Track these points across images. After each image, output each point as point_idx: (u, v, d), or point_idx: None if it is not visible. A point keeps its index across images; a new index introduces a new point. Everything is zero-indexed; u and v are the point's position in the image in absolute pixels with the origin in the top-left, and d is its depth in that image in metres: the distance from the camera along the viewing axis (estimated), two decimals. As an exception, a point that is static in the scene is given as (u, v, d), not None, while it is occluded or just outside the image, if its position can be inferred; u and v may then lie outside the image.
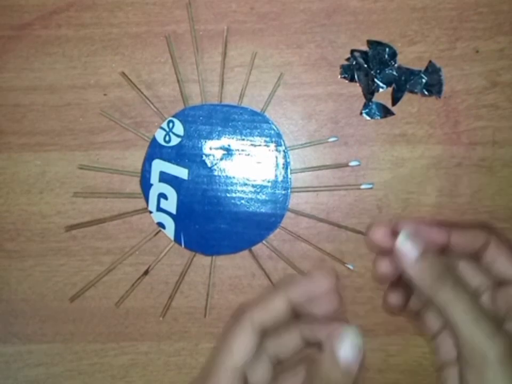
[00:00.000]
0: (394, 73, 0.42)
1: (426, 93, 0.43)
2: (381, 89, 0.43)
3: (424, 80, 0.42)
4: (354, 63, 0.43)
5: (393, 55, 0.43)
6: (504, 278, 0.29)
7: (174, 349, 0.44)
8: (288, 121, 0.44)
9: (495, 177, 0.43)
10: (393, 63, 0.43)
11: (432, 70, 0.43)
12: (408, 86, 0.43)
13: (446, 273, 0.27)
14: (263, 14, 0.44)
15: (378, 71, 0.42)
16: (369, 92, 0.43)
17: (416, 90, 0.43)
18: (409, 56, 0.43)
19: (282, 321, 0.28)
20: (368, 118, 0.43)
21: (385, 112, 0.43)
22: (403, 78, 0.43)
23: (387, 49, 0.43)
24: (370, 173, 0.43)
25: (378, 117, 0.43)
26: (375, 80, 0.43)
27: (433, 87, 0.42)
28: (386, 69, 0.42)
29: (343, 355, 0.27)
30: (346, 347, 0.27)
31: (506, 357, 0.25)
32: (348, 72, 0.43)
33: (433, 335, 0.30)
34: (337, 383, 0.27)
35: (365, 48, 0.43)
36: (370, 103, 0.43)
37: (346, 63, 0.43)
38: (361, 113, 0.43)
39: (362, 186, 0.43)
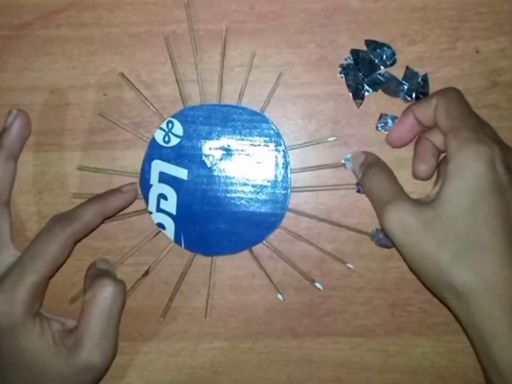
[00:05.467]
0: (382, 78, 0.42)
1: (409, 98, 0.43)
2: (367, 93, 0.43)
3: (405, 87, 0.42)
4: (352, 63, 0.43)
5: (392, 55, 0.43)
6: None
7: (173, 349, 0.44)
8: (288, 121, 0.44)
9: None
10: (383, 67, 0.42)
11: (410, 75, 0.42)
12: (392, 93, 0.43)
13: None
14: (263, 14, 0.44)
15: (366, 75, 0.42)
16: (359, 96, 0.43)
17: (400, 97, 0.43)
18: (410, 56, 0.43)
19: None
20: (368, 118, 0.43)
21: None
22: (388, 84, 0.43)
23: (385, 49, 0.43)
24: (370, 173, 0.43)
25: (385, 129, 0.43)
26: (363, 83, 0.43)
27: (418, 92, 0.42)
28: (374, 74, 0.42)
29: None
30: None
31: None
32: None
33: None
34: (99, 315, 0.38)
35: (365, 48, 0.43)
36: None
37: (346, 62, 0.43)
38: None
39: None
